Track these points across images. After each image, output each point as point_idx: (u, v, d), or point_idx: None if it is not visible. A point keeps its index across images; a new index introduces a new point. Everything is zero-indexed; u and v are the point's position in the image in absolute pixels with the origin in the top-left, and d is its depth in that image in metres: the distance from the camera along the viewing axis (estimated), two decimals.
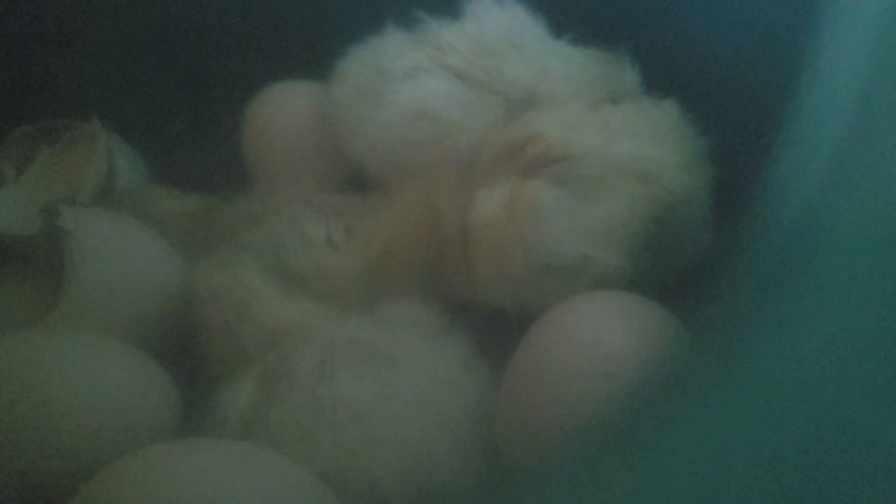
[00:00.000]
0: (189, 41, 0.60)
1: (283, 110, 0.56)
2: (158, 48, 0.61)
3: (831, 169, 0.23)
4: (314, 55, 0.53)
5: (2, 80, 0.58)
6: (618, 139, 0.43)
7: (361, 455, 0.37)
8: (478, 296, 0.44)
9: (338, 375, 0.39)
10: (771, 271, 0.24)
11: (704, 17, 0.48)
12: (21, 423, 0.37)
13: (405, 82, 0.49)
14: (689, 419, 0.24)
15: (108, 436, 0.38)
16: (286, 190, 0.52)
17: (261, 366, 0.41)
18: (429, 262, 0.45)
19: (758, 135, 0.34)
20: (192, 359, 0.45)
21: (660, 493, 0.23)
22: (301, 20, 0.57)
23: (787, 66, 0.26)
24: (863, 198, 0.22)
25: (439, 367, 0.41)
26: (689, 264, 0.43)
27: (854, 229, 0.22)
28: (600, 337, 0.37)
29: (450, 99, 0.48)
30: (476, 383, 0.41)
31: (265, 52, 0.56)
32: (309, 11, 0.58)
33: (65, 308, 0.42)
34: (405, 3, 0.51)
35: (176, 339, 0.46)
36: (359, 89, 0.51)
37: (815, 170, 0.24)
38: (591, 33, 0.50)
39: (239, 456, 0.35)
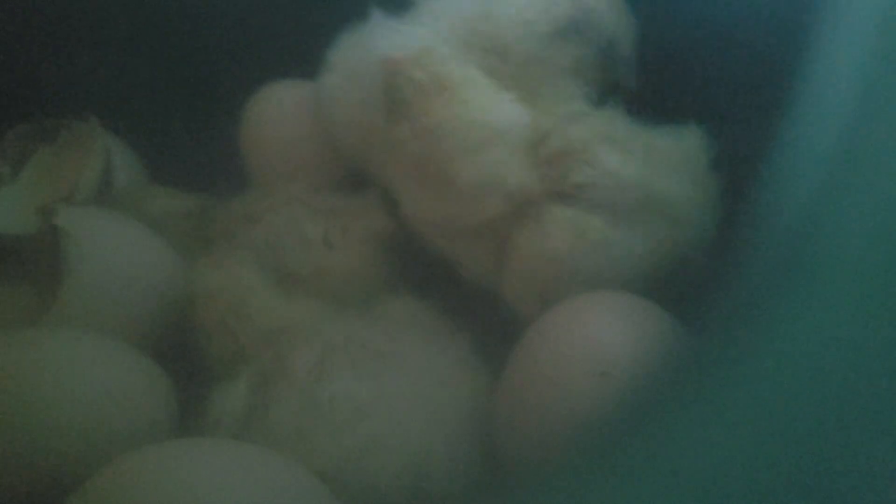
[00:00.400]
0: (187, 40, 0.60)
1: (281, 110, 0.56)
2: (156, 47, 0.61)
3: (830, 169, 0.23)
4: (312, 54, 0.53)
5: None
6: (658, 172, 0.42)
7: (359, 454, 0.37)
8: (494, 290, 0.44)
9: (335, 375, 0.39)
10: (769, 272, 0.24)
11: (703, 15, 0.48)
12: (17, 423, 0.37)
13: None
14: (687, 420, 0.24)
15: (105, 435, 0.38)
16: (284, 189, 0.51)
17: (258, 365, 0.41)
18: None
19: (757, 134, 0.34)
20: (190, 358, 0.45)
21: (657, 494, 0.23)
22: (299, 19, 0.57)
23: (787, 65, 0.26)
24: (862, 198, 0.22)
25: (437, 366, 0.41)
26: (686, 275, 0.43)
27: (853, 230, 0.22)
28: (598, 337, 0.37)
29: None
30: (474, 383, 0.41)
31: (263, 51, 0.56)
32: (307, 11, 0.58)
33: (62, 307, 0.42)
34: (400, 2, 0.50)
35: (174, 338, 0.46)
36: (350, 76, 0.51)
37: (813, 170, 0.24)
38: None
39: (236, 456, 0.35)
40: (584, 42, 0.46)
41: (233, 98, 0.57)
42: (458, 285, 0.46)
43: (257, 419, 0.39)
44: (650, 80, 0.48)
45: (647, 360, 0.35)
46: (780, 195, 0.24)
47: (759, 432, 0.22)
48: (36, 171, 0.52)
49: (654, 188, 0.41)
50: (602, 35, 0.46)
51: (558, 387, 0.36)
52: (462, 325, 0.44)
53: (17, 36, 0.59)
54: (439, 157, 0.42)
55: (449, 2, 0.48)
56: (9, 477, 0.36)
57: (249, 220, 0.48)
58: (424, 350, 0.41)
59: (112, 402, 0.39)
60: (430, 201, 0.43)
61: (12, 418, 0.37)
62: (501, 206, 0.42)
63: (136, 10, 0.61)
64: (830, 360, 0.22)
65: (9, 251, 0.47)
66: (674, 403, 0.25)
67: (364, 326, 0.42)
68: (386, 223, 0.48)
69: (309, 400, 0.39)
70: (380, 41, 0.46)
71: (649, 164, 0.42)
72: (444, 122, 0.41)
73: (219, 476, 0.33)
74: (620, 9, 0.47)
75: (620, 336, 0.37)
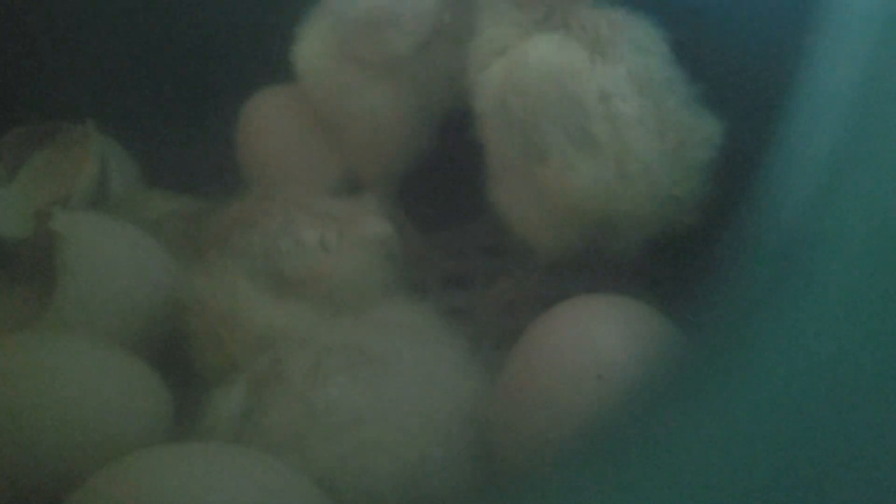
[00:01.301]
0: (183, 44, 0.60)
1: (277, 114, 0.56)
2: (152, 51, 0.61)
3: (829, 171, 0.23)
4: None
5: None
6: None
7: (355, 459, 0.37)
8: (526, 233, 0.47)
9: (331, 380, 0.39)
10: (767, 273, 0.24)
11: (703, 16, 0.48)
12: (12, 427, 0.37)
13: None
14: (683, 422, 0.24)
15: (100, 440, 0.38)
16: (280, 193, 0.51)
17: (253, 370, 0.41)
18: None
19: (757, 135, 0.34)
20: (186, 362, 0.45)
21: (654, 497, 0.23)
22: (295, 24, 0.57)
23: (786, 67, 0.26)
24: (860, 200, 0.22)
25: (433, 370, 0.41)
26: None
27: (852, 230, 0.22)
28: (594, 340, 0.37)
29: None
30: (470, 386, 0.41)
31: (259, 55, 0.56)
32: (303, 16, 0.58)
33: (57, 311, 0.42)
34: None
35: (169, 342, 0.46)
36: (323, 41, 0.53)
37: (812, 172, 0.24)
38: None
39: (232, 460, 0.35)
40: None
41: (229, 102, 0.57)
42: (454, 289, 0.46)
43: (253, 424, 0.39)
44: None
45: (644, 362, 0.35)
46: (778, 197, 0.24)
47: (756, 435, 0.22)
48: (32, 174, 0.52)
49: None
50: None
51: (555, 390, 0.36)
52: (458, 329, 0.44)
53: (12, 39, 0.59)
54: None
55: None
56: (3, 481, 0.36)
57: (245, 223, 0.48)
58: (420, 354, 0.41)
59: (107, 406, 0.39)
60: None
61: (6, 422, 0.37)
62: None
63: (132, 14, 0.60)
64: (828, 362, 0.22)
65: (4, 254, 0.47)
66: (670, 406, 0.25)
67: (360, 331, 0.42)
68: (382, 227, 0.48)
69: (305, 405, 0.39)
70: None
71: None
72: None
73: (214, 480, 0.33)
74: None
75: (616, 339, 0.37)
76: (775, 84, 0.31)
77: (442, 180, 0.55)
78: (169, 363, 0.44)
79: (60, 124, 0.55)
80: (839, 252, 0.23)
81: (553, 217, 0.46)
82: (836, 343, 0.22)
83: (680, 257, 0.46)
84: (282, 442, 0.38)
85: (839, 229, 0.23)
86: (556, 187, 0.44)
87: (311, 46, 0.54)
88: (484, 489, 0.39)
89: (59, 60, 0.59)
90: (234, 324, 0.44)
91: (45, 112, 0.56)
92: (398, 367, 0.40)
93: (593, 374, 0.35)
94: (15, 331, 0.43)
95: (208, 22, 0.60)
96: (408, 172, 0.55)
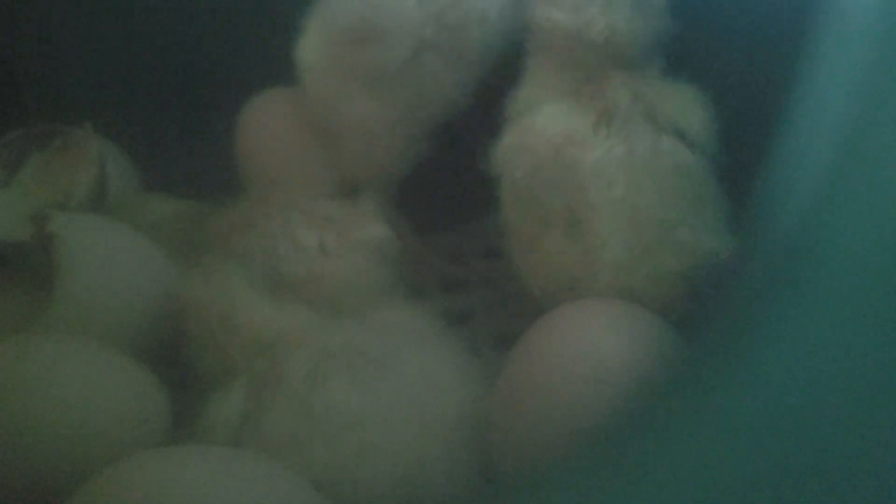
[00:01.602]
0: (182, 46, 0.60)
1: (277, 116, 0.56)
2: (151, 53, 0.61)
3: (829, 178, 0.23)
4: None
5: None
6: None
7: (354, 462, 0.37)
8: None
9: (330, 383, 0.39)
10: (769, 278, 0.24)
11: (706, 20, 0.48)
12: (9, 430, 0.36)
13: None
14: (682, 426, 0.24)
15: (98, 442, 0.38)
16: (279, 196, 0.51)
17: (252, 373, 0.41)
18: None
19: (756, 140, 0.34)
20: (184, 365, 0.45)
21: (654, 499, 0.23)
22: (295, 26, 0.57)
23: (785, 71, 0.26)
24: (861, 206, 0.22)
25: (432, 374, 0.41)
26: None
27: (853, 237, 0.22)
28: (593, 343, 0.37)
29: None
30: (468, 390, 0.41)
31: (259, 57, 0.56)
32: (303, 18, 0.58)
33: (55, 314, 0.42)
34: None
35: (168, 344, 0.46)
36: (319, 43, 0.53)
37: (812, 179, 0.24)
38: None
39: (230, 463, 0.35)
40: None
41: (228, 104, 0.57)
42: (453, 292, 0.46)
43: (252, 426, 0.39)
44: None
45: (643, 366, 0.35)
46: (779, 202, 0.24)
47: (755, 440, 0.22)
48: (30, 176, 0.52)
49: None
50: None
51: (553, 393, 0.36)
52: (457, 332, 0.44)
53: (10, 42, 0.59)
54: None
55: None
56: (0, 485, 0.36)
57: (244, 226, 0.48)
58: (419, 357, 0.41)
59: (104, 408, 0.39)
60: None
61: (2, 426, 0.36)
62: None
63: (130, 17, 0.60)
64: (829, 367, 0.22)
65: (2, 258, 0.47)
66: (669, 410, 0.25)
67: (359, 334, 0.42)
68: (380, 230, 0.48)
69: (304, 407, 0.39)
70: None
71: None
72: None
73: (212, 483, 0.33)
74: None
75: (615, 343, 0.37)
76: (775, 89, 0.31)
77: (441, 183, 0.55)
78: (167, 365, 0.44)
79: (59, 127, 0.54)
80: (840, 257, 0.23)
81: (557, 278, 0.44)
82: (837, 348, 0.22)
83: None
84: (281, 445, 0.38)
85: (840, 234, 0.23)
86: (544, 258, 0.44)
87: (309, 47, 0.53)
88: (483, 492, 0.39)
89: (58, 62, 0.59)
90: (232, 327, 0.44)
91: (43, 114, 0.56)
92: (397, 370, 0.40)
93: (592, 378, 0.35)
94: (12, 334, 0.43)
95: (207, 24, 0.60)
96: (406, 175, 0.55)
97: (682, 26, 0.45)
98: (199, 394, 0.42)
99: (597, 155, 0.42)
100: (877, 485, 0.20)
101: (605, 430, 0.31)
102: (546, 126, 0.44)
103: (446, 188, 0.55)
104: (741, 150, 0.41)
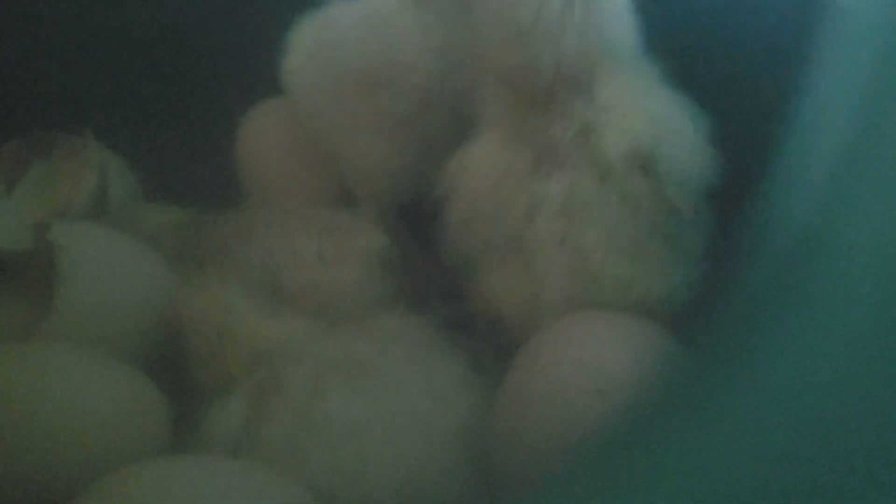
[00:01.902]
0: (182, 56, 0.60)
1: (275, 126, 0.56)
2: (151, 62, 0.61)
3: (829, 188, 0.23)
4: None
5: None
6: None
7: (354, 472, 0.37)
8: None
9: (330, 392, 0.39)
10: (769, 289, 0.24)
11: (709, 30, 0.48)
12: (10, 438, 0.36)
13: None
14: (683, 437, 0.24)
15: (98, 451, 0.38)
16: (278, 205, 0.51)
17: (252, 382, 0.41)
18: None
19: (756, 148, 0.34)
20: (184, 374, 0.45)
21: None
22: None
23: (789, 83, 0.26)
24: (862, 216, 0.22)
25: (432, 383, 0.41)
26: None
27: (853, 246, 0.22)
28: (594, 354, 0.37)
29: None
30: (469, 399, 0.41)
31: (259, 67, 0.56)
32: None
33: (56, 322, 0.42)
34: None
35: (167, 353, 0.46)
36: (314, 53, 0.51)
37: (813, 189, 0.24)
38: None
39: (231, 473, 0.35)
40: None
41: (228, 114, 0.57)
42: (453, 301, 0.46)
43: (252, 436, 0.39)
44: None
45: (644, 377, 0.35)
46: (779, 213, 0.24)
47: (756, 451, 0.22)
48: (30, 185, 0.52)
49: None
50: None
51: (555, 403, 0.36)
52: (458, 342, 0.44)
53: (9, 49, 0.59)
54: None
55: None
56: (1, 493, 0.36)
57: (243, 235, 0.48)
58: (420, 367, 0.41)
59: (104, 417, 0.39)
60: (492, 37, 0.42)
61: (4, 433, 0.36)
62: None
63: (130, 26, 0.61)
64: (831, 377, 0.22)
65: (3, 267, 0.47)
66: (671, 421, 0.25)
67: (359, 343, 0.42)
68: (380, 239, 0.48)
69: (303, 417, 0.39)
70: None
71: None
72: None
73: (213, 493, 0.33)
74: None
75: (616, 353, 0.37)
76: (776, 97, 0.31)
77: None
78: (167, 374, 0.44)
79: (59, 135, 0.54)
80: (843, 263, 0.23)
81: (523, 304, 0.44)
82: (839, 358, 0.22)
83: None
84: (280, 454, 0.38)
85: (843, 240, 0.23)
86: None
87: (298, 61, 0.52)
88: (482, 502, 0.39)
89: (58, 71, 0.59)
90: (231, 336, 0.44)
91: (43, 123, 0.56)
92: (397, 380, 0.40)
93: (593, 388, 0.35)
94: (13, 342, 0.43)
95: (208, 33, 0.60)
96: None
97: (682, 36, 0.45)
98: (199, 403, 0.42)
99: (535, 191, 0.41)
100: (884, 492, 0.20)
101: (606, 441, 0.31)
102: (484, 158, 0.43)
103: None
104: (742, 158, 0.41)
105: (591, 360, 0.37)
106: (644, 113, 0.41)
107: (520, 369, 0.39)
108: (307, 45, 0.52)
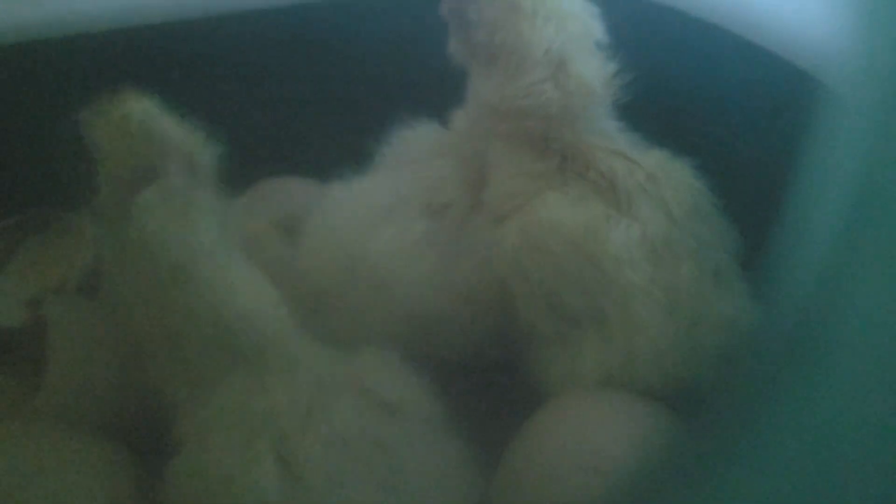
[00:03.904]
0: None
1: (275, 206, 0.56)
2: None
3: (837, 252, 0.23)
4: (310, 154, 0.54)
5: None
6: None
7: None
8: None
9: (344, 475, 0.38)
10: (781, 349, 0.24)
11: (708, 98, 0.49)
12: None
13: None
14: None
15: None
16: None
17: None
18: None
19: (765, 214, 0.34)
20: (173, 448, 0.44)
21: None
22: (300, 123, 0.58)
23: (792, 148, 0.26)
24: (870, 280, 0.22)
25: (438, 462, 0.40)
26: None
27: (861, 310, 0.22)
28: (590, 433, 0.37)
29: None
30: (469, 477, 0.40)
31: (262, 146, 0.56)
32: (309, 113, 0.59)
33: (45, 399, 0.42)
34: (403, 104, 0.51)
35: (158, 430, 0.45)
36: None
37: (823, 248, 0.24)
38: None
39: None
40: None
41: (230, 190, 0.57)
42: (460, 377, 0.45)
43: None
44: None
45: (640, 456, 0.35)
46: (788, 277, 0.24)
47: None
48: (25, 261, 0.52)
49: None
50: None
51: (552, 480, 0.36)
52: (461, 416, 0.43)
53: (6, 128, 0.59)
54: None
55: None
56: None
57: None
58: (420, 444, 0.40)
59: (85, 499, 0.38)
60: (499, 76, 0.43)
61: None
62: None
63: None
64: (837, 451, 0.22)
65: None
66: (669, 499, 0.25)
67: (370, 414, 0.41)
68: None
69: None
70: None
71: None
72: None
73: None
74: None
75: (613, 433, 0.37)
76: (780, 167, 0.31)
77: None
78: (155, 447, 0.43)
79: (54, 212, 0.55)
80: (852, 325, 0.23)
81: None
82: (851, 419, 0.22)
83: None
84: None
85: (852, 303, 0.23)
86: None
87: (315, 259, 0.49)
88: None
89: (54, 148, 0.60)
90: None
91: (39, 199, 0.56)
92: (405, 461, 0.39)
93: (589, 466, 0.35)
94: (3, 419, 0.43)
95: (211, 112, 0.61)
96: None
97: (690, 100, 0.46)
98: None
99: (617, 241, 0.40)
100: None
101: None
102: (558, 221, 0.41)
103: None
104: (750, 220, 0.41)
105: (585, 438, 0.37)
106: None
107: (520, 445, 0.39)
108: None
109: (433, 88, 0.48)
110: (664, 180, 0.42)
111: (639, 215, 0.41)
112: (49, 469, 0.39)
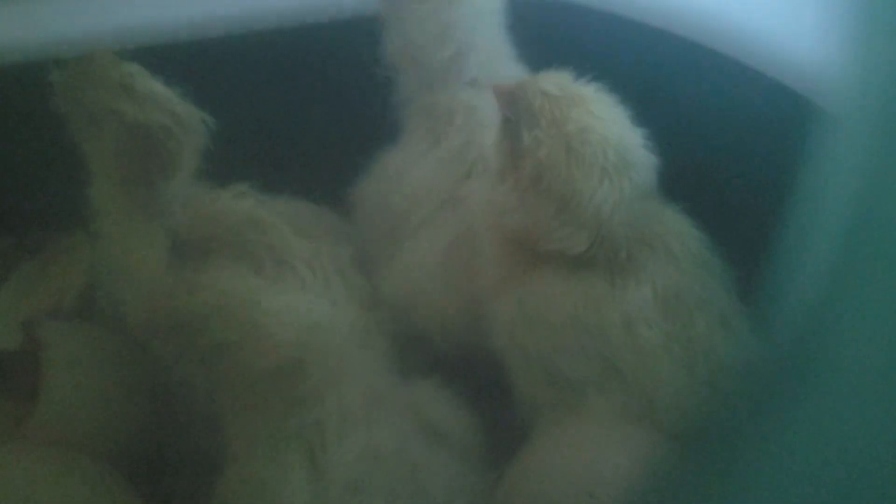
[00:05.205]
0: None
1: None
2: None
3: (833, 278, 0.23)
4: (317, 181, 0.54)
5: None
6: None
7: None
8: None
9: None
10: (777, 378, 0.24)
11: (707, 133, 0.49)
12: None
13: None
14: None
15: None
16: None
17: None
18: None
19: (760, 243, 0.34)
20: (168, 473, 0.44)
21: None
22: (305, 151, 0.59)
23: (789, 178, 0.27)
24: (865, 307, 0.23)
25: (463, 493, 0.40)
26: None
27: (859, 330, 0.22)
28: (587, 459, 0.38)
29: None
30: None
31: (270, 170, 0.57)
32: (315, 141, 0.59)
33: (39, 422, 0.42)
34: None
35: (152, 453, 0.45)
36: None
37: (816, 280, 0.24)
38: None
39: None
40: None
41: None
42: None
43: None
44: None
45: (637, 482, 0.35)
46: (783, 304, 0.25)
47: None
48: (20, 284, 0.52)
49: None
50: None
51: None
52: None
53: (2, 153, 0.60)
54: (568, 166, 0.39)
55: None
56: None
57: None
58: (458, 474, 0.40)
59: None
60: (533, 211, 0.41)
61: None
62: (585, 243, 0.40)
63: None
64: (832, 477, 0.22)
65: None
66: None
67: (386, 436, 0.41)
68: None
69: None
70: None
71: None
72: (586, 129, 0.39)
73: None
74: None
75: (609, 459, 0.37)
76: (776, 196, 0.31)
77: None
78: (151, 471, 0.43)
79: (49, 234, 0.55)
80: (847, 353, 0.23)
81: None
82: (846, 445, 0.22)
83: None
84: None
85: (847, 330, 0.23)
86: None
87: None
88: None
89: (50, 171, 0.60)
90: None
91: (34, 222, 0.56)
92: (438, 488, 0.39)
93: (584, 492, 0.36)
94: None
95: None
96: None
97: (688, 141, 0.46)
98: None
99: (623, 306, 0.39)
100: None
101: None
102: (555, 293, 0.41)
103: None
104: (746, 252, 0.41)
105: (582, 464, 0.37)
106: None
107: (514, 472, 0.39)
108: None
109: None
110: (666, 231, 0.42)
111: (646, 271, 0.40)
112: (41, 492, 0.39)
